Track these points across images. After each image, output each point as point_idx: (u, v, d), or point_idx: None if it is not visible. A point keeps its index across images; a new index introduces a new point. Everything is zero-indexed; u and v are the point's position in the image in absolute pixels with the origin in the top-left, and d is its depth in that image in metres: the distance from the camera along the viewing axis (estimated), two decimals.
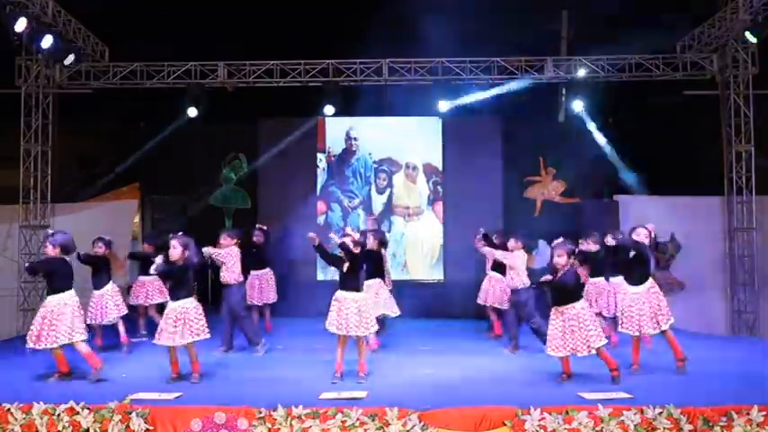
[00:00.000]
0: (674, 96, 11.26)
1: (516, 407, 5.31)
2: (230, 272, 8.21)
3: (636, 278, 6.95)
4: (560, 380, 6.57)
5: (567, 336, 6.42)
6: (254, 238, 9.79)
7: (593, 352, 6.38)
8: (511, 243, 8.20)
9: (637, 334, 6.92)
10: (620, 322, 7.13)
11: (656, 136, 11.87)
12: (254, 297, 9.53)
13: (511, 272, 8.10)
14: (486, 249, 8.60)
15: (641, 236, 7.00)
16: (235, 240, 8.44)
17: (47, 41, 9.86)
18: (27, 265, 8.24)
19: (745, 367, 7.26)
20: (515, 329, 8.23)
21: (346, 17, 11.10)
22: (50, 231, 7.25)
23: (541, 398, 5.54)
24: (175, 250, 6.62)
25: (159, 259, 6.75)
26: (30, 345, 6.64)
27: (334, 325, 6.61)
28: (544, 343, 6.99)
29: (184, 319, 6.51)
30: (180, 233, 6.86)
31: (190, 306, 6.59)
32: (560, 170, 12.51)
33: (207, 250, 8.07)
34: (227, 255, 8.25)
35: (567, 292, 6.51)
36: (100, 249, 8.25)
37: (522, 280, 8.01)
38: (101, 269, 8.20)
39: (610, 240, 8.01)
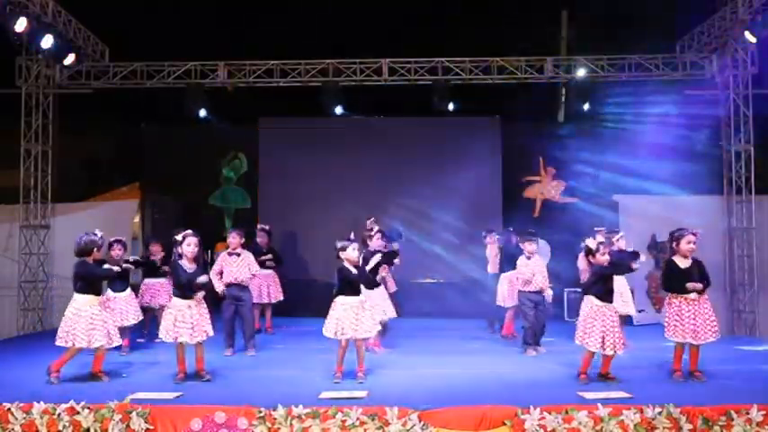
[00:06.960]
0: (674, 96, 11.25)
1: (516, 406, 5.31)
2: (250, 272, 8.27)
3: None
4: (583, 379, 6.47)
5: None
6: (258, 239, 9.77)
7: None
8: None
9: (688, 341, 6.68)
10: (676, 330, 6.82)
11: (655, 135, 11.88)
12: (257, 297, 9.49)
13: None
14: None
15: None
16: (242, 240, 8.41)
17: (47, 41, 9.86)
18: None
19: (744, 367, 7.27)
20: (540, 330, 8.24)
21: (346, 17, 11.13)
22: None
23: (541, 398, 5.53)
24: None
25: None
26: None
27: (332, 330, 6.54)
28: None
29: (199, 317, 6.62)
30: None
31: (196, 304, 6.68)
32: (560, 170, 12.50)
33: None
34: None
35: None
36: (119, 251, 8.07)
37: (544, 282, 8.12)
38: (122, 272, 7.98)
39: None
